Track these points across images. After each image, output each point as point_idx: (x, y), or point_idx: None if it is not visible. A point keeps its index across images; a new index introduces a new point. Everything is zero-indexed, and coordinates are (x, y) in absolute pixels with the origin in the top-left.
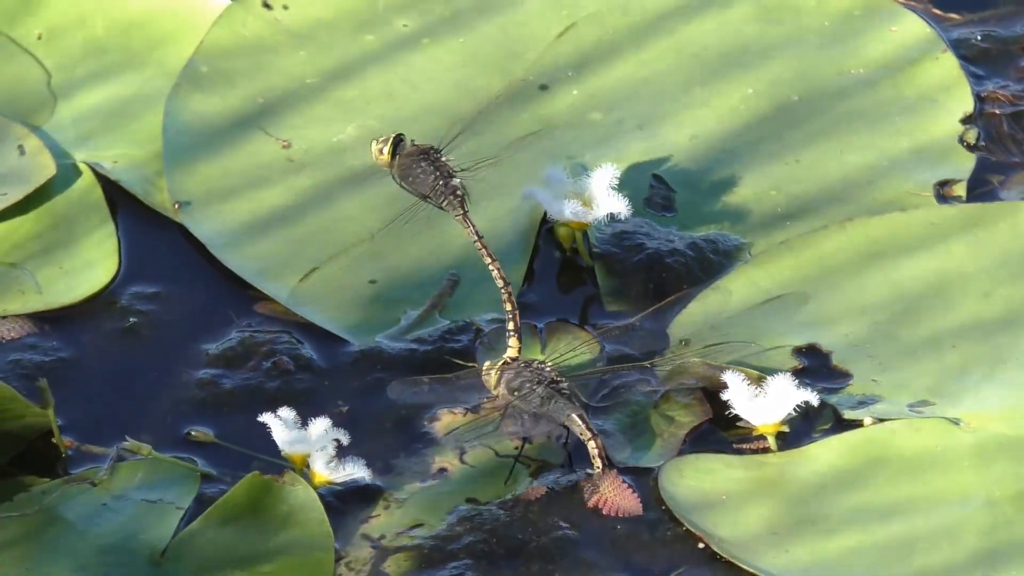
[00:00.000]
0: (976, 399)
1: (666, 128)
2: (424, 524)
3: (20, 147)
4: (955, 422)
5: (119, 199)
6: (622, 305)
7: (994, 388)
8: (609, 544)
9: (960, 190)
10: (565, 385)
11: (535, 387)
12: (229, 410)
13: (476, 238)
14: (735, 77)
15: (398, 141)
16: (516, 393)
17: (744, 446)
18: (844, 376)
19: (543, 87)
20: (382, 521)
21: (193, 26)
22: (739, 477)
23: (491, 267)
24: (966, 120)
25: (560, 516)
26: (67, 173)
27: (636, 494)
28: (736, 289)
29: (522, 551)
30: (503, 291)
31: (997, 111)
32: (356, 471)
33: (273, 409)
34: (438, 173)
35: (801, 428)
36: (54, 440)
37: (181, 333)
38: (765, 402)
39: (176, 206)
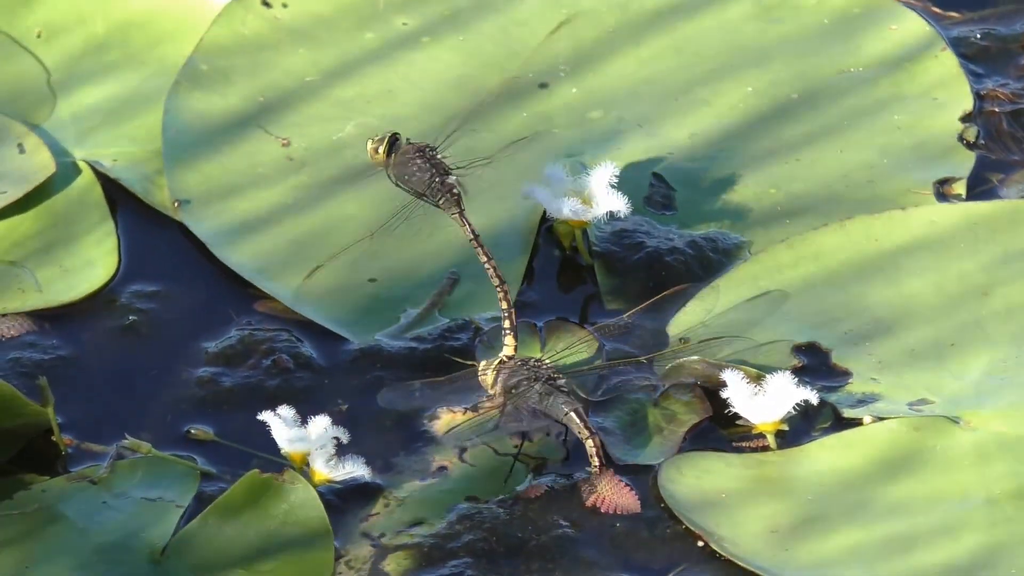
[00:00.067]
0: (976, 398)
1: (666, 126)
2: (424, 522)
3: (20, 145)
4: (955, 421)
5: (119, 197)
6: (622, 303)
7: (994, 387)
8: (609, 542)
9: (960, 188)
10: (563, 382)
11: (532, 384)
12: (229, 408)
13: (472, 236)
14: (735, 75)
15: (394, 140)
16: (513, 391)
17: (744, 444)
18: (844, 374)
19: (543, 85)
20: (382, 519)
21: (193, 24)
22: (739, 475)
23: (487, 265)
24: (966, 118)
25: (560, 514)
26: (67, 171)
27: (634, 492)
28: (734, 288)
29: (522, 549)
30: (499, 289)
31: (997, 109)
32: (356, 469)
33: (273, 407)
34: (434, 171)
35: (801, 427)
36: (54, 438)
37: (181, 331)
38: (765, 400)
39: (176, 204)
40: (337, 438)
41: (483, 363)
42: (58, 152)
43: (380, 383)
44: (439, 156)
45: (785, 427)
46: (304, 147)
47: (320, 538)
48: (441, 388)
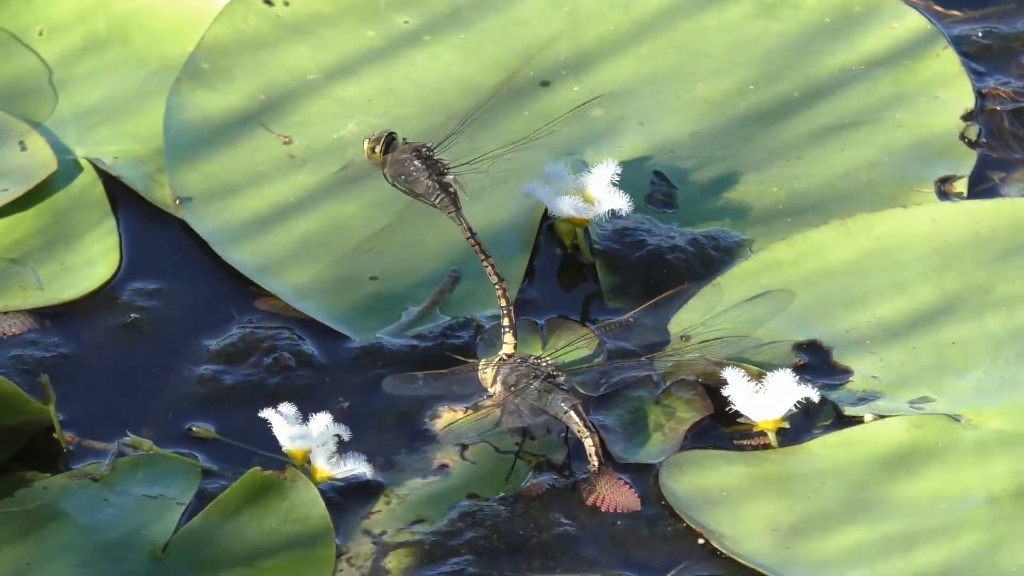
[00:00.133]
0: (977, 396)
1: (667, 124)
2: (425, 520)
3: (21, 143)
4: (956, 419)
5: (120, 195)
6: (623, 302)
7: (995, 385)
8: (610, 540)
9: (961, 187)
10: (562, 379)
11: (531, 382)
12: (230, 406)
13: (469, 235)
14: (736, 74)
15: (390, 139)
16: (513, 389)
17: (745, 442)
18: (845, 372)
19: (544, 83)
20: (383, 517)
21: (194, 22)
22: (740, 473)
23: (485, 264)
24: (967, 117)
25: (561, 512)
26: (68, 169)
27: (633, 490)
28: (736, 285)
29: (523, 547)
30: (497, 287)
31: (998, 107)
32: (357, 467)
33: (274, 405)
34: (430, 171)
35: (801, 424)
36: (55, 436)
37: (182, 329)
38: (766, 398)
39: (177, 202)
40: (338, 436)
41: (483, 361)
42: (59, 150)
43: (381, 381)
44: (435, 155)
45: (786, 425)
46: (305, 145)
47: (321, 536)
48: (444, 379)
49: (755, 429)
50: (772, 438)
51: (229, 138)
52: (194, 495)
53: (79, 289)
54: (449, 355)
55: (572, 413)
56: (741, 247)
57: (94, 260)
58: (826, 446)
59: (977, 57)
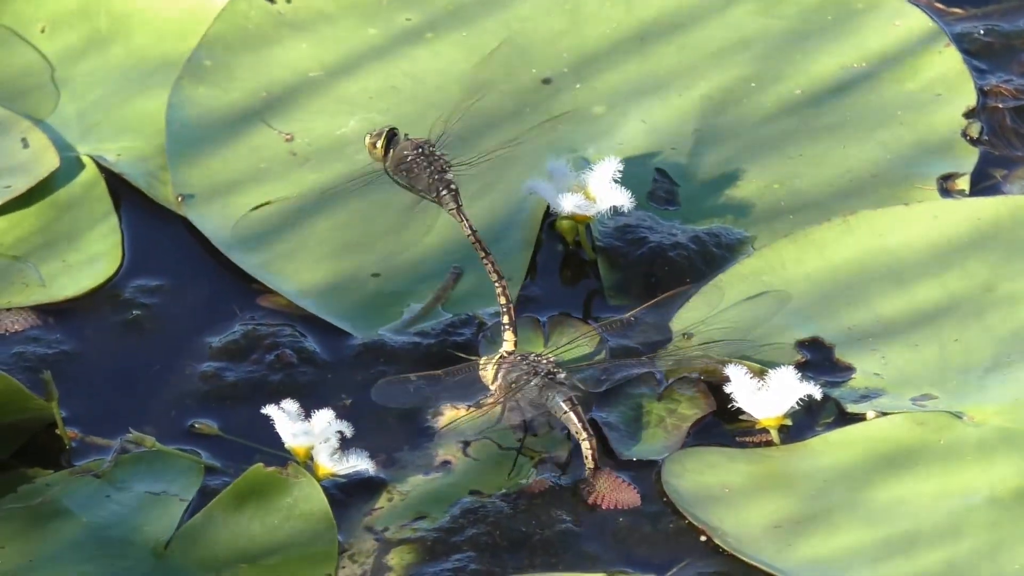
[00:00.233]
0: (979, 393)
1: (669, 121)
2: (427, 516)
3: (24, 140)
4: (958, 416)
5: (122, 192)
6: (625, 299)
7: (997, 382)
8: (612, 537)
9: (963, 184)
10: (562, 376)
11: (531, 379)
12: (232, 403)
13: (470, 232)
14: (738, 71)
15: (392, 135)
16: (513, 386)
17: (747, 439)
18: (847, 370)
19: (546, 81)
20: (385, 513)
21: (196, 19)
22: (742, 470)
23: (485, 261)
24: (969, 114)
25: (563, 509)
26: (70, 166)
27: (632, 487)
28: (737, 283)
29: (525, 544)
30: (497, 285)
31: (1000, 105)
32: (359, 463)
33: (276, 402)
34: (432, 167)
35: (804, 422)
36: (58, 432)
37: (185, 326)
38: (768, 395)
39: (179, 199)
40: (341, 432)
41: (483, 359)
42: (62, 147)
43: (383, 378)
44: (437, 152)
45: (788, 422)
46: (307, 142)
47: (324, 532)
48: (438, 383)
49: (757, 426)
50: (774, 435)
51: (231, 135)
52: (196, 492)
53: (81, 286)
54: (451, 352)
55: (571, 414)
56: (743, 244)
57: (96, 257)
58: (828, 443)
59: (979, 55)
